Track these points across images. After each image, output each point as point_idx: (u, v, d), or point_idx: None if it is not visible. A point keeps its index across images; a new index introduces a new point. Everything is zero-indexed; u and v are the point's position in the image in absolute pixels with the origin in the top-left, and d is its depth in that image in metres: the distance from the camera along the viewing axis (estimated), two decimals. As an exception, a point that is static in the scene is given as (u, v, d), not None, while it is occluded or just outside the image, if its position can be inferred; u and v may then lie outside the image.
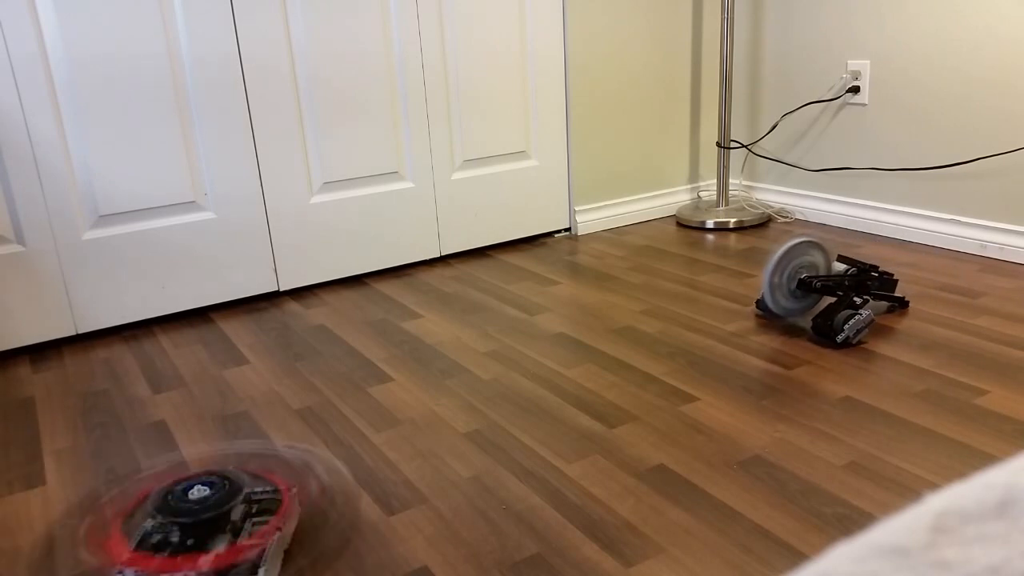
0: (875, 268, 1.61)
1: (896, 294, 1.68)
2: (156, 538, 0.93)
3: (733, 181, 2.60)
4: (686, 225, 2.40)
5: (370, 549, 1.01)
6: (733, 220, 2.33)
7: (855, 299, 1.51)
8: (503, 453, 1.21)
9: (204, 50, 1.75)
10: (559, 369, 1.48)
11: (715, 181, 2.61)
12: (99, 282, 1.74)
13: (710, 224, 2.35)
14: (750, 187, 2.56)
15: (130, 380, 1.54)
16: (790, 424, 1.24)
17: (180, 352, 1.66)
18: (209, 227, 1.84)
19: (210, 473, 0.99)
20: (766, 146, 2.47)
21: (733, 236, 2.27)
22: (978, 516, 0.37)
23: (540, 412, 1.33)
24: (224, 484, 0.97)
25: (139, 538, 0.93)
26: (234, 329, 1.77)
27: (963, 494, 0.39)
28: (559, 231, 2.38)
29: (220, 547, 0.92)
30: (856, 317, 1.47)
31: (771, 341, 1.54)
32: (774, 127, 2.43)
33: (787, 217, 2.41)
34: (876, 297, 1.62)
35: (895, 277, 1.66)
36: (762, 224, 2.35)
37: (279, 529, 0.96)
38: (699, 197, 2.60)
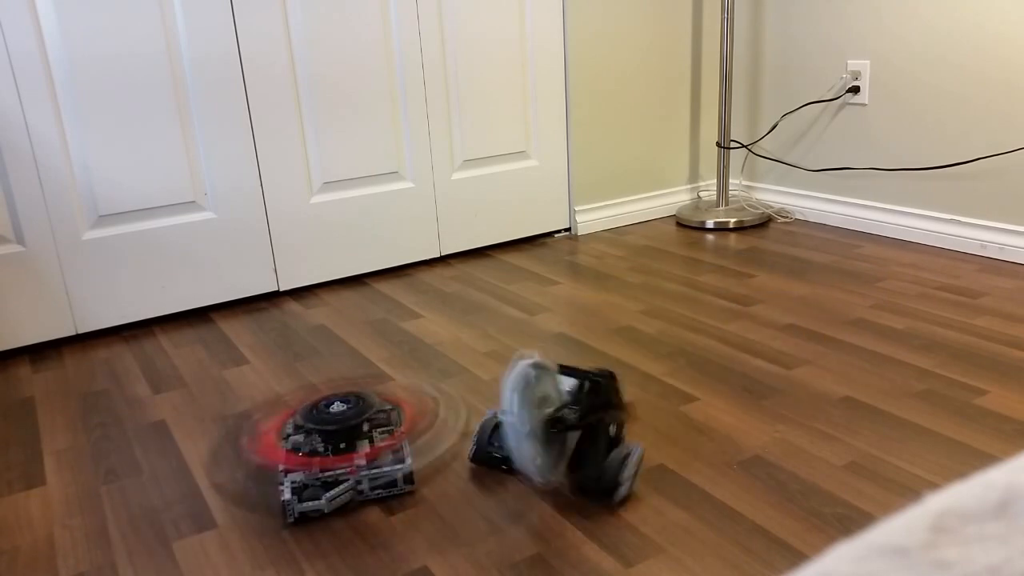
0: (604, 372, 1.09)
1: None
2: (306, 445, 1.11)
3: (733, 181, 2.60)
4: (686, 225, 2.40)
5: (370, 549, 1.01)
6: (733, 220, 2.33)
7: (610, 428, 1.06)
8: (503, 453, 1.21)
9: (204, 49, 1.75)
10: (559, 369, 1.48)
11: (715, 181, 2.61)
12: (99, 282, 1.75)
13: (710, 224, 2.35)
14: (750, 187, 2.56)
15: (130, 380, 1.54)
16: (790, 424, 1.24)
17: (180, 352, 1.66)
18: (209, 227, 1.84)
19: (346, 393, 1.19)
20: (766, 146, 2.47)
21: (733, 236, 2.27)
22: (978, 516, 0.37)
23: (540, 412, 1.33)
24: (358, 401, 1.16)
25: (292, 446, 1.11)
26: (234, 329, 1.77)
27: (963, 494, 0.39)
28: (559, 231, 2.38)
29: (365, 448, 1.10)
30: (630, 456, 1.06)
31: (771, 341, 1.54)
32: (774, 127, 2.43)
33: (787, 217, 2.41)
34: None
35: (613, 372, 1.10)
36: (762, 224, 2.35)
37: (406, 434, 1.14)
38: (699, 197, 2.60)
